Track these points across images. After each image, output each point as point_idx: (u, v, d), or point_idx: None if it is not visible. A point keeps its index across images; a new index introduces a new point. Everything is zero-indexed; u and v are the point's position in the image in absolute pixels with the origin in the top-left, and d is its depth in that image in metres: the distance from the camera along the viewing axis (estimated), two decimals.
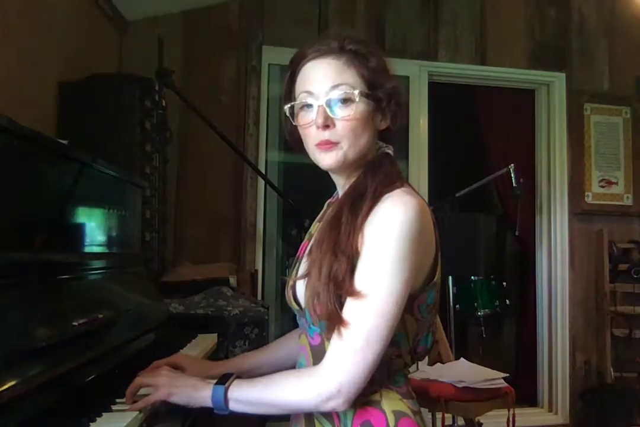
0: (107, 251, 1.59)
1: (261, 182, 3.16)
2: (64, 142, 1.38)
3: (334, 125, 0.97)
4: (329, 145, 0.98)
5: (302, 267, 1.02)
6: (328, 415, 0.99)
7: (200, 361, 1.31)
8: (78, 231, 1.41)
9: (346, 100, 0.97)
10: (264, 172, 3.13)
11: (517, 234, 3.49)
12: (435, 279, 1.00)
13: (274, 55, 3.26)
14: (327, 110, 0.97)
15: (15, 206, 1.11)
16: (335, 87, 0.97)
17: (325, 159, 1.00)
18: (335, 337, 0.92)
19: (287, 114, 1.05)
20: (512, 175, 3.17)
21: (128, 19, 3.01)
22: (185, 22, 3.15)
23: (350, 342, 0.90)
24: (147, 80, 2.36)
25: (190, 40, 3.15)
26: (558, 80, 3.65)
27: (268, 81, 3.28)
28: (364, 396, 0.96)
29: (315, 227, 1.13)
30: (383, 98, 1.00)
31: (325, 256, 0.94)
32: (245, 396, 0.95)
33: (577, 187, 3.62)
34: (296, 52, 1.05)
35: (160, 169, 2.54)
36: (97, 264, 1.48)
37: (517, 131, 3.80)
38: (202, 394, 0.97)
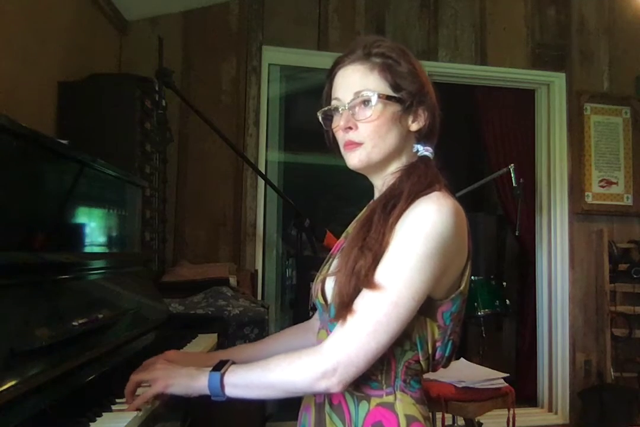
0: (107, 251, 1.59)
1: (261, 182, 3.16)
2: (64, 142, 1.38)
3: (357, 127, 1.02)
4: (353, 145, 1.03)
5: (334, 264, 1.03)
6: (339, 411, 1.00)
7: (193, 354, 1.31)
8: (78, 231, 1.41)
9: (367, 103, 1.01)
10: (264, 172, 3.13)
11: (517, 234, 3.49)
12: (461, 288, 1.00)
13: (274, 55, 3.27)
14: (350, 113, 1.02)
15: (15, 206, 1.11)
16: (358, 92, 1.02)
17: (350, 159, 1.04)
18: (342, 321, 0.93)
19: (320, 119, 1.10)
20: (512, 175, 3.17)
21: (128, 19, 3.01)
22: (185, 22, 3.15)
23: (358, 326, 0.91)
24: (147, 80, 2.36)
25: (190, 40, 3.15)
26: (558, 80, 3.65)
27: (268, 81, 3.27)
28: (379, 397, 0.97)
29: (353, 227, 1.13)
30: (407, 100, 1.03)
31: (352, 251, 0.96)
32: (242, 379, 0.96)
33: (577, 187, 3.62)
34: (334, 59, 1.09)
35: (160, 169, 2.54)
36: (97, 264, 1.48)
37: (517, 131, 3.80)
38: (199, 383, 0.97)
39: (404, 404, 0.98)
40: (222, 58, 3.19)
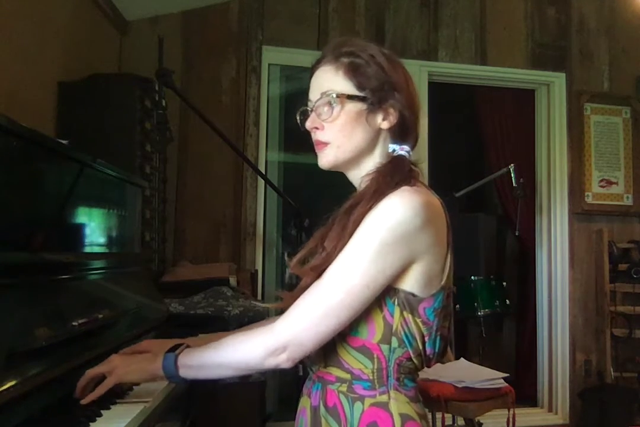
0: (107, 251, 1.59)
1: (261, 182, 3.16)
2: (64, 142, 1.38)
3: (322, 127, 1.04)
4: (321, 145, 1.05)
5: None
6: (335, 413, 1.00)
7: (166, 341, 1.31)
8: (78, 231, 1.41)
9: (330, 104, 1.03)
10: (264, 172, 3.13)
11: (517, 234, 3.49)
12: (442, 283, 0.99)
13: (274, 55, 3.27)
14: (316, 113, 1.04)
15: (15, 206, 1.11)
16: (323, 93, 1.03)
17: (319, 159, 1.06)
18: (296, 303, 0.96)
19: (298, 120, 1.11)
20: (512, 175, 3.17)
21: (128, 19, 3.01)
22: (185, 22, 3.15)
23: (310, 308, 0.94)
24: (147, 80, 2.36)
25: (190, 40, 3.15)
26: (558, 80, 3.65)
27: (268, 81, 3.27)
28: (373, 397, 0.98)
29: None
30: (370, 98, 1.02)
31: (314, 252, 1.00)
32: (196, 360, 0.99)
33: (577, 187, 3.62)
34: (313, 62, 1.11)
35: (160, 169, 2.54)
36: (97, 264, 1.48)
37: (517, 131, 3.79)
38: (154, 365, 1.00)
39: (399, 403, 0.98)
40: (222, 58, 3.19)
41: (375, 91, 1.02)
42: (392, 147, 1.06)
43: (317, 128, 1.04)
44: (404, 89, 1.05)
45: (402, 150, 1.05)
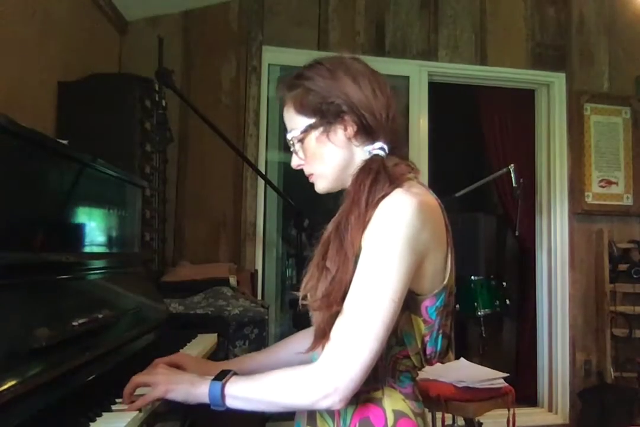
0: (107, 251, 1.59)
1: (261, 182, 3.16)
2: (64, 142, 1.38)
3: (304, 162, 1.10)
4: (310, 177, 1.11)
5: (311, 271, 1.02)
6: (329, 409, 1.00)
7: (201, 360, 1.32)
8: (78, 231, 1.41)
9: (298, 141, 1.07)
10: (264, 172, 3.13)
11: (517, 234, 3.49)
12: (445, 282, 0.99)
13: (274, 55, 3.27)
14: (294, 154, 1.10)
15: (15, 206, 1.11)
16: (289, 133, 1.09)
17: (316, 188, 1.11)
18: (332, 339, 0.92)
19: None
20: (512, 175, 3.17)
21: (128, 19, 3.01)
22: (185, 22, 3.15)
23: (347, 344, 0.91)
24: (147, 80, 2.36)
25: (190, 40, 3.15)
26: (558, 80, 3.65)
27: (268, 81, 3.27)
28: (366, 393, 0.98)
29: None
30: (321, 120, 1.04)
31: (334, 257, 0.96)
32: (243, 392, 0.96)
33: (577, 187, 3.62)
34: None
35: (160, 169, 2.54)
36: (97, 264, 1.48)
37: (517, 131, 3.80)
38: (199, 390, 0.97)
39: (392, 400, 0.98)
40: (222, 58, 3.19)
41: (323, 112, 1.03)
42: (366, 149, 1.04)
43: (299, 164, 1.10)
44: (353, 93, 1.02)
45: (374, 150, 1.03)
